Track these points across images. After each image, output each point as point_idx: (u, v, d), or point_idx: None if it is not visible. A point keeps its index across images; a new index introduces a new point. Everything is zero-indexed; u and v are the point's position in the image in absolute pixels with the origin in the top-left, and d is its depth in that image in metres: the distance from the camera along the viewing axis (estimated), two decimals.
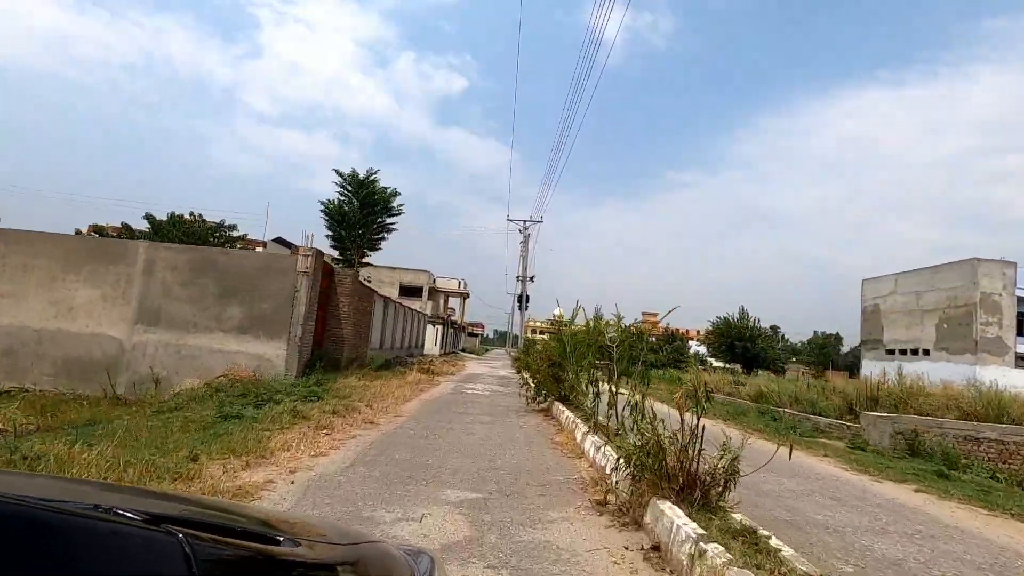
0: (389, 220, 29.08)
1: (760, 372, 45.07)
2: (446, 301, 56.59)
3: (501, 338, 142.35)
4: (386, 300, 21.02)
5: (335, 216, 27.31)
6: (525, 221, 36.96)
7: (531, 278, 36.07)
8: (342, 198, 27.48)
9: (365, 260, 28.79)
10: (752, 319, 45.54)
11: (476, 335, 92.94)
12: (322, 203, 27.50)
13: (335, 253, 27.73)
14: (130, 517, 0.75)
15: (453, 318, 57.09)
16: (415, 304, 42.13)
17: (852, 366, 47.20)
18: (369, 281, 23.63)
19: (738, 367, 45.49)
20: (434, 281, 49.77)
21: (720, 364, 46.79)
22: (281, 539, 0.93)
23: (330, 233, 27.69)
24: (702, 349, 56.96)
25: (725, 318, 46.12)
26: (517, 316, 44.51)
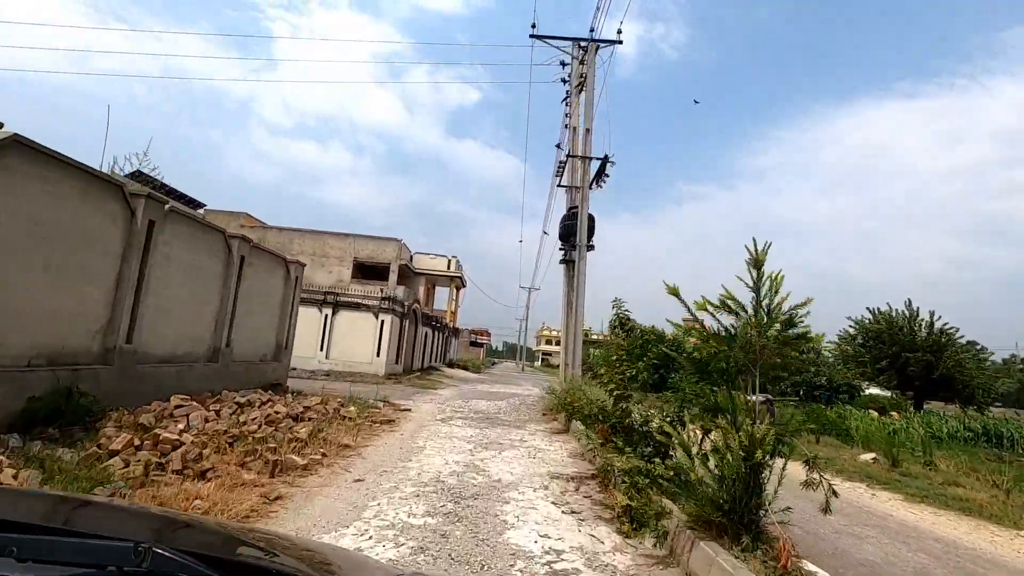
0: None
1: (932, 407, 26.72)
2: (429, 290, 38.72)
3: (510, 351, 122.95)
4: None
5: None
6: (580, 40, 14.71)
7: (603, 169, 13.10)
8: None
9: None
10: (930, 318, 27.00)
11: (480, 344, 74.59)
12: None
13: None
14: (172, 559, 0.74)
15: (434, 314, 38.83)
16: (375, 290, 24.35)
17: None
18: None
19: (896, 394, 27.11)
20: (410, 258, 31.74)
21: (876, 391, 28.28)
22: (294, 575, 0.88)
23: None
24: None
25: (883, 314, 27.70)
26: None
